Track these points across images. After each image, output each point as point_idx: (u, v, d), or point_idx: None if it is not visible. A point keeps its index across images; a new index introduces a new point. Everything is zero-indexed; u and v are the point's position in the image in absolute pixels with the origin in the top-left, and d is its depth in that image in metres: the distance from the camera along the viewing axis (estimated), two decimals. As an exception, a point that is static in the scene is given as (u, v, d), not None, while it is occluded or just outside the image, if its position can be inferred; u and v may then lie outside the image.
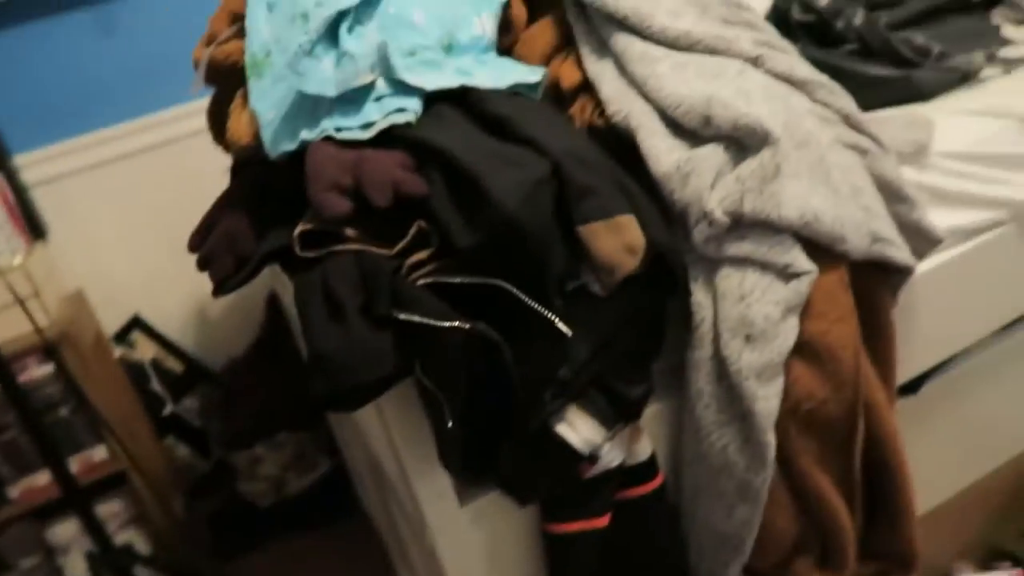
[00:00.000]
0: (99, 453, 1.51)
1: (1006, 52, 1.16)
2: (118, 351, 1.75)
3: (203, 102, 1.71)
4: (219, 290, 0.79)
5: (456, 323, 0.60)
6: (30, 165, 1.66)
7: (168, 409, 1.74)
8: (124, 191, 1.76)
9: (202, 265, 0.81)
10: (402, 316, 0.63)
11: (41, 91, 1.66)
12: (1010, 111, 0.99)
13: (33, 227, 1.61)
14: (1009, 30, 1.24)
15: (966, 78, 1.12)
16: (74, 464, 1.48)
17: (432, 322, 0.61)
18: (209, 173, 1.79)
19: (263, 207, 0.90)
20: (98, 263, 1.76)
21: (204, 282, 1.83)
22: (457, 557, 0.76)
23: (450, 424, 0.60)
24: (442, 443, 0.64)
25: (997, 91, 1.08)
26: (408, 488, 0.73)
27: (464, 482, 0.71)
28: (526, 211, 0.67)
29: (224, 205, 0.91)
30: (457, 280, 0.66)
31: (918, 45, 1.13)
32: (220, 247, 0.82)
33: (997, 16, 1.29)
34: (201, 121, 1.72)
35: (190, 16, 1.70)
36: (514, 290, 0.64)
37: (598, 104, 0.91)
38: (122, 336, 1.78)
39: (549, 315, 0.64)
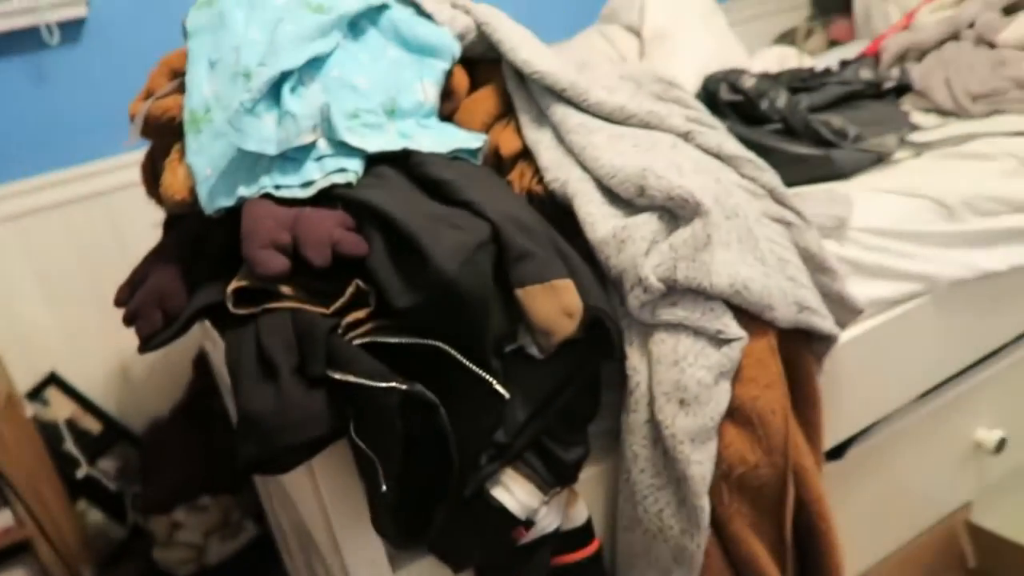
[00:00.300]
0: (3, 519, 1.41)
1: (915, 136, 1.24)
2: (31, 409, 1.65)
3: (129, 156, 1.70)
4: (145, 346, 0.77)
5: (393, 384, 0.60)
6: (-53, 213, 1.60)
7: (82, 471, 1.64)
8: (45, 243, 1.69)
9: (129, 320, 0.79)
10: (337, 376, 0.62)
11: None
12: (922, 191, 1.05)
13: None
14: (917, 116, 1.33)
15: (880, 159, 1.20)
16: (-26, 531, 1.38)
17: (368, 383, 0.60)
18: (134, 227, 1.75)
19: (195, 263, 0.88)
20: (14, 316, 1.68)
21: (127, 339, 1.78)
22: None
23: (384, 488, 0.59)
24: (375, 507, 0.62)
25: (909, 172, 1.15)
26: (338, 555, 0.71)
27: (397, 547, 0.69)
28: (466, 274, 0.67)
29: (154, 260, 0.89)
30: (395, 340, 0.66)
31: (836, 127, 1.20)
32: (148, 302, 0.80)
33: (906, 103, 1.38)
34: (126, 175, 1.71)
35: (121, 70, 1.70)
36: (453, 352, 0.64)
37: (536, 171, 0.94)
38: (36, 393, 1.69)
39: (487, 377, 0.64)
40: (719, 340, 0.77)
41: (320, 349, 0.65)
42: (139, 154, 1.64)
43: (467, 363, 0.64)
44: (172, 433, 1.65)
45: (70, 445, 1.66)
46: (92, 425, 1.72)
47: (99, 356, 1.76)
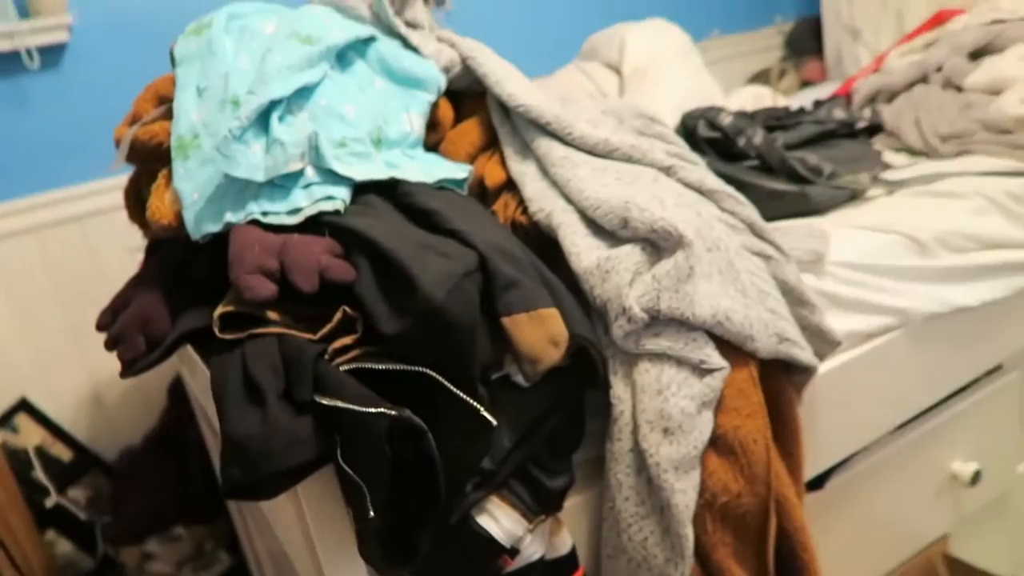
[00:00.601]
0: (-32, 550, 1.38)
1: (888, 175, 1.28)
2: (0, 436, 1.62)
3: (104, 182, 1.69)
4: (128, 371, 0.76)
5: (381, 409, 0.60)
6: (-81, 235, 1.58)
7: (52, 500, 1.61)
8: (20, 266, 1.67)
9: (111, 345, 0.78)
10: (325, 401, 0.62)
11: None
12: (895, 227, 1.08)
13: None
14: (889, 155, 1.37)
15: (854, 196, 1.23)
16: (-63, 562, 1.34)
17: (356, 408, 0.60)
18: (109, 253, 1.74)
19: (178, 288, 0.88)
20: (-16, 341, 1.65)
21: (100, 365, 1.76)
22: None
23: (372, 514, 0.59)
24: (362, 533, 0.62)
25: (882, 209, 1.18)
26: (322, 580, 0.70)
27: (382, 574, 0.69)
28: (453, 302, 0.68)
29: (137, 284, 0.89)
30: (382, 367, 0.66)
31: (812, 165, 1.23)
32: (131, 327, 0.79)
33: (878, 143, 1.42)
34: (102, 200, 1.70)
35: (100, 96, 1.70)
36: (440, 378, 0.64)
37: (521, 202, 0.95)
38: (5, 420, 1.65)
39: (474, 404, 0.64)
40: (702, 370, 0.78)
41: (307, 374, 0.65)
42: (114, 180, 1.66)
43: (454, 390, 0.64)
44: (145, 461, 1.62)
45: (39, 473, 1.62)
46: (62, 453, 1.69)
47: (71, 382, 1.73)
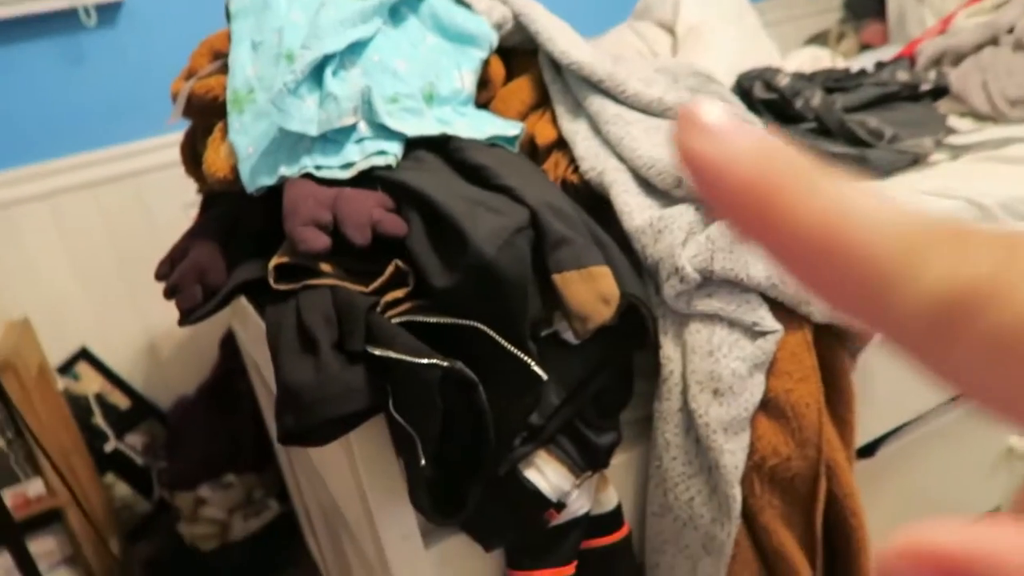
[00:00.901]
0: (35, 487, 1.44)
1: (952, 139, 1.23)
2: (62, 383, 1.68)
3: (160, 139, 1.72)
4: (185, 320, 0.78)
5: (434, 360, 0.60)
6: (-17, 188, 1.63)
7: (111, 445, 1.67)
8: (78, 221, 1.72)
9: (169, 293, 0.80)
10: (377, 352, 0.63)
11: (0, 115, 1.64)
12: (958, 193, 1.04)
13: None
14: (954, 120, 1.32)
15: (916, 160, 1.19)
16: (7, 498, 1.40)
17: (408, 358, 0.61)
18: (163, 209, 1.78)
19: (233, 240, 0.89)
20: (47, 292, 1.70)
21: (155, 317, 1.81)
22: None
23: (423, 463, 0.59)
24: (413, 482, 0.63)
25: (945, 174, 1.14)
26: (371, 528, 0.71)
27: (432, 523, 0.70)
28: (504, 257, 0.68)
29: (194, 236, 0.91)
30: (433, 320, 0.66)
31: (872, 127, 1.19)
32: (188, 277, 0.81)
33: (943, 106, 1.37)
34: (157, 157, 1.73)
35: (156, 53, 1.72)
36: (491, 332, 0.65)
37: (571, 161, 0.94)
38: (67, 368, 1.72)
39: (525, 358, 0.65)
40: (754, 332, 0.77)
41: (360, 325, 0.66)
42: (169, 137, 1.68)
43: (505, 344, 0.65)
44: (198, 411, 1.67)
45: (99, 419, 1.69)
46: (120, 400, 1.75)
47: (128, 334, 1.79)
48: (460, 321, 0.66)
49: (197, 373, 1.81)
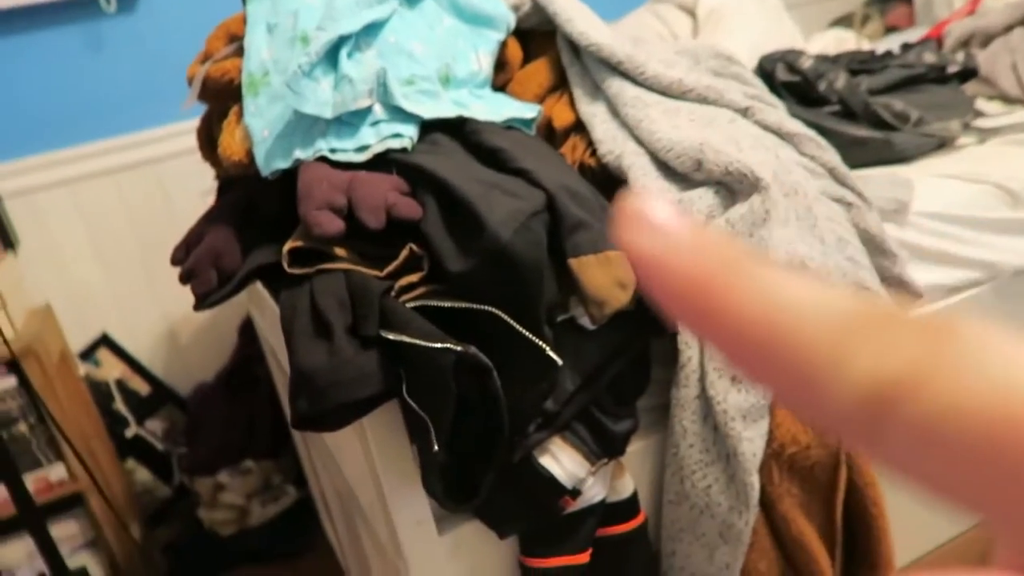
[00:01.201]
0: (57, 472, 1.46)
1: (980, 122, 1.20)
2: (83, 369, 1.70)
3: (179, 126, 1.72)
4: (201, 304, 0.78)
5: (448, 345, 0.60)
6: (5, 176, 1.64)
7: (131, 431, 1.68)
8: (99, 208, 1.73)
9: (185, 278, 0.80)
10: (391, 336, 0.62)
11: (21, 102, 1.64)
12: (986, 177, 1.02)
13: (3, 238, 1.58)
14: (982, 103, 1.29)
15: (943, 144, 1.16)
16: (29, 482, 1.42)
17: (422, 343, 0.60)
18: (183, 196, 1.78)
19: (249, 225, 0.89)
20: (68, 279, 1.72)
21: (175, 304, 1.82)
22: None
23: (436, 449, 0.59)
24: (426, 468, 0.63)
25: (973, 158, 1.11)
26: (385, 514, 0.71)
27: (445, 509, 0.69)
28: (520, 241, 0.67)
29: (209, 221, 0.90)
30: (448, 304, 0.66)
31: (897, 110, 1.16)
32: (204, 261, 0.81)
33: (970, 89, 1.34)
34: (176, 144, 1.73)
35: (174, 40, 1.72)
36: (506, 317, 0.64)
37: (589, 144, 0.93)
38: (88, 354, 1.73)
39: (540, 343, 0.64)
40: (774, 318, 0.75)
41: (374, 309, 0.65)
42: (188, 124, 1.68)
43: (520, 329, 0.64)
44: (217, 397, 1.68)
45: (119, 405, 1.70)
46: (140, 386, 1.76)
47: (148, 320, 1.80)
48: (475, 306, 0.65)
49: (216, 359, 1.82)
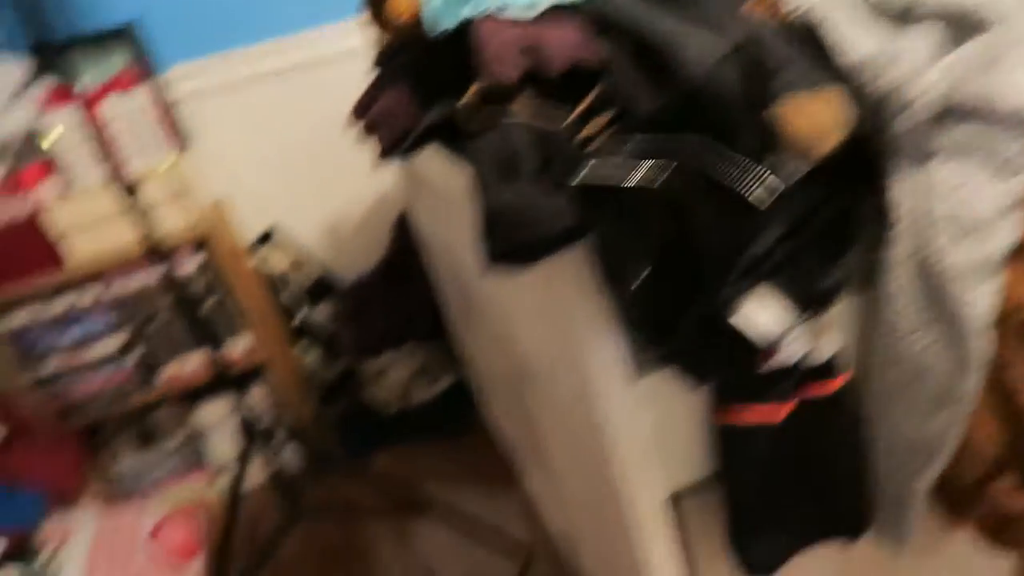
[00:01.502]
0: (241, 344, 1.56)
1: None
2: (254, 259, 1.80)
3: (343, 26, 1.73)
4: (385, 155, 0.78)
5: (642, 182, 0.56)
6: (179, 78, 1.72)
7: (300, 317, 1.78)
8: (267, 107, 1.80)
9: (369, 130, 0.80)
10: (582, 174, 0.59)
11: (192, 5, 1.70)
12: None
13: (179, 137, 1.67)
14: None
15: None
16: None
17: (614, 183, 0.57)
18: (346, 96, 1.81)
19: (419, 86, 0.88)
20: (238, 175, 1.81)
21: (337, 198, 1.88)
22: (624, 435, 0.72)
23: (635, 286, 0.56)
24: (626, 304, 0.60)
25: None
26: (579, 362, 0.70)
27: (640, 347, 0.67)
28: (717, 77, 0.62)
29: (380, 85, 0.90)
30: (639, 136, 0.62)
31: None
32: (383, 117, 0.81)
33: None
34: (341, 44, 1.75)
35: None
36: (717, 144, 0.59)
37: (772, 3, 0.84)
38: (258, 245, 1.83)
39: (742, 186, 0.59)
40: (1006, 170, 0.66)
41: (562, 152, 0.63)
42: (352, 23, 1.69)
43: (732, 152, 0.59)
44: (378, 286, 1.74)
45: (289, 293, 1.80)
46: (307, 276, 1.85)
47: (313, 214, 1.88)
48: (672, 136, 0.61)
49: (376, 251, 1.88)
